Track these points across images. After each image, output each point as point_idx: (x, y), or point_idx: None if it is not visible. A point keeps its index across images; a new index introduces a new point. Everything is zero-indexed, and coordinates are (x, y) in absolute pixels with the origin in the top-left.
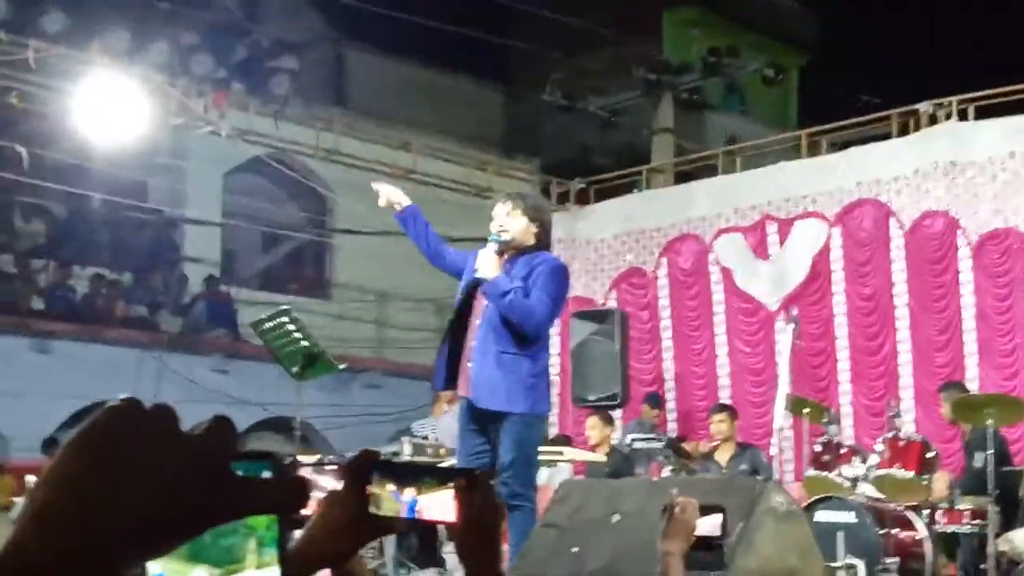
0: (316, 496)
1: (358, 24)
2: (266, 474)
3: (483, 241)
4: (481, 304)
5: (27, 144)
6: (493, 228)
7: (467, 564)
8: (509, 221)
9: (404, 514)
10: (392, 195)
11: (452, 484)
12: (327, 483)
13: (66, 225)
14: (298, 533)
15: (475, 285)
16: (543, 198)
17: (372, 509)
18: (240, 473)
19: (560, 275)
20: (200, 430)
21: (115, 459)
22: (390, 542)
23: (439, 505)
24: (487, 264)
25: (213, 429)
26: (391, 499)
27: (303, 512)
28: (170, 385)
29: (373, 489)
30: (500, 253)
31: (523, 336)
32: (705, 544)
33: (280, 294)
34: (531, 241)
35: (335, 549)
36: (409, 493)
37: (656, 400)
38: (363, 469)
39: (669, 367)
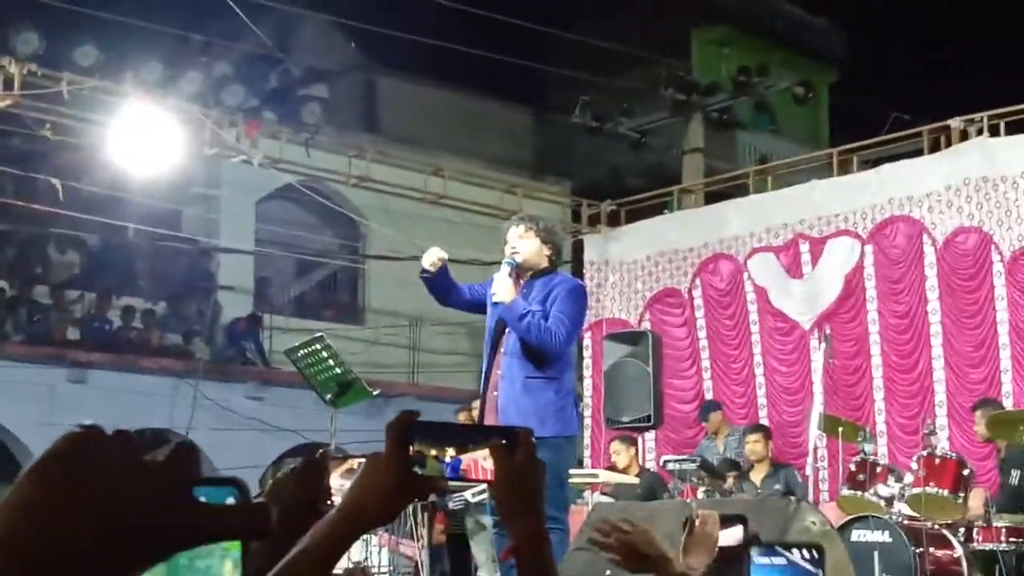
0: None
1: (388, 51)
2: (230, 500)
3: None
4: (505, 333)
5: (61, 176)
6: (506, 252)
7: (509, 522)
8: (522, 243)
9: (447, 474)
10: (440, 253)
11: (491, 442)
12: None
13: (101, 256)
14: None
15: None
16: (555, 221)
17: (416, 470)
18: (203, 499)
19: (577, 295)
20: (162, 456)
21: (73, 486)
22: (424, 566)
23: (481, 463)
24: (502, 288)
25: (175, 455)
26: (434, 460)
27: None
28: (205, 413)
29: (416, 449)
30: (515, 276)
31: (543, 358)
32: (728, 555)
33: (314, 320)
34: (545, 263)
35: (380, 511)
36: (450, 453)
37: (707, 409)
38: (404, 430)
39: (709, 387)
